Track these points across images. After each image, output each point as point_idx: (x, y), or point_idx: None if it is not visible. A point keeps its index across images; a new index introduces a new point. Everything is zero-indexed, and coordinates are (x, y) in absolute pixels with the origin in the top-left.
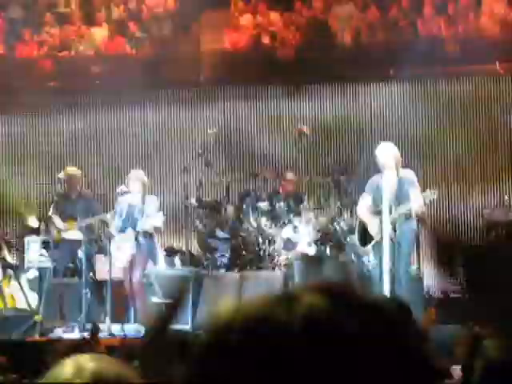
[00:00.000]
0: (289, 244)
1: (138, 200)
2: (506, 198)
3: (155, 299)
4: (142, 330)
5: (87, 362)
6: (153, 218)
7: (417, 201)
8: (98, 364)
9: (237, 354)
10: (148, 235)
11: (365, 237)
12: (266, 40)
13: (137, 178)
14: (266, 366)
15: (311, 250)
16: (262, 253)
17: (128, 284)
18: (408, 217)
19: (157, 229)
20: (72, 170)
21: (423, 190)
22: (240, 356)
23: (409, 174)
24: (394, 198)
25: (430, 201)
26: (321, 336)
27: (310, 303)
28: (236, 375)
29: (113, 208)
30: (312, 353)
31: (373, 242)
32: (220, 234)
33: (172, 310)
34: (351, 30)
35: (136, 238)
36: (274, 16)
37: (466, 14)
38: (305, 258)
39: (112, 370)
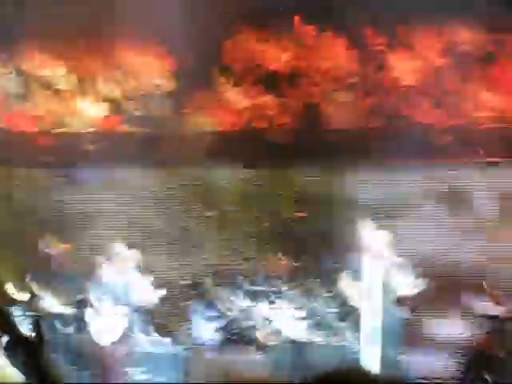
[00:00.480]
0: (270, 326)
1: (126, 275)
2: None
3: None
4: None
5: None
6: (148, 293)
7: (405, 287)
8: None
9: None
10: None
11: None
12: (258, 123)
13: (124, 252)
14: None
15: (294, 333)
16: (246, 334)
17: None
18: (395, 303)
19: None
20: (60, 246)
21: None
22: None
23: (398, 260)
24: (382, 284)
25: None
26: None
27: None
28: None
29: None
30: None
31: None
32: (206, 313)
33: None
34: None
35: (126, 314)
36: (266, 99)
37: (461, 105)
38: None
39: None
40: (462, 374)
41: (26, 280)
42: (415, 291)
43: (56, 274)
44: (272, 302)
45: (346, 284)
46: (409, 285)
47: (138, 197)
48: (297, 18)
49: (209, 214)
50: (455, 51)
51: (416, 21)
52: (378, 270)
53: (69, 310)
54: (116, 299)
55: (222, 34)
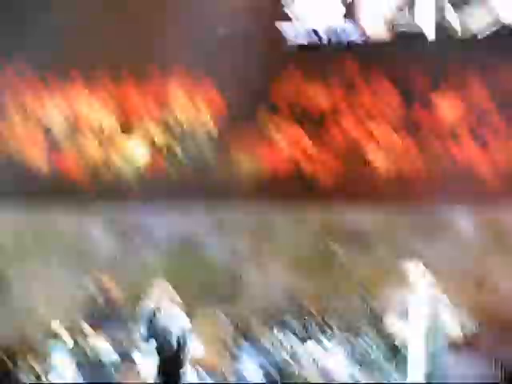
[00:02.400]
0: (323, 371)
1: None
2: None
3: None
4: None
5: None
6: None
7: (453, 328)
8: None
9: None
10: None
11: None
12: (303, 164)
13: (161, 288)
14: None
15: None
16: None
17: None
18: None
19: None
20: (105, 277)
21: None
22: None
23: (444, 299)
24: (427, 322)
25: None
26: None
27: None
28: None
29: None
30: None
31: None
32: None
33: None
34: (389, 158)
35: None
36: (311, 140)
37: (503, 141)
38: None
39: None
40: None
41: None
42: (463, 332)
43: (106, 313)
44: (319, 342)
45: (391, 322)
46: (457, 325)
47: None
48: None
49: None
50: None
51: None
52: (424, 308)
53: (116, 355)
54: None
55: (269, 73)
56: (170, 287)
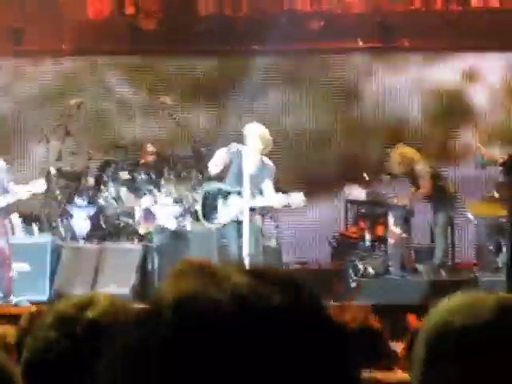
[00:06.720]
0: (149, 216)
1: None
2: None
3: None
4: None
5: None
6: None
7: (275, 197)
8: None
9: (169, 330)
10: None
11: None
12: (129, 10)
13: None
14: (198, 341)
15: (171, 223)
16: (121, 224)
17: None
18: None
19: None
20: None
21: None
22: (173, 332)
23: (271, 164)
24: (252, 182)
25: (297, 206)
26: (248, 311)
27: (236, 281)
28: (167, 350)
29: None
30: (241, 327)
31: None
32: (79, 201)
33: None
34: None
35: None
36: None
37: None
38: (164, 231)
39: None
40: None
41: None
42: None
43: None
44: (152, 196)
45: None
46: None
47: None
48: None
49: (72, 101)
50: None
51: None
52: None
53: None
54: None
55: None
56: None
